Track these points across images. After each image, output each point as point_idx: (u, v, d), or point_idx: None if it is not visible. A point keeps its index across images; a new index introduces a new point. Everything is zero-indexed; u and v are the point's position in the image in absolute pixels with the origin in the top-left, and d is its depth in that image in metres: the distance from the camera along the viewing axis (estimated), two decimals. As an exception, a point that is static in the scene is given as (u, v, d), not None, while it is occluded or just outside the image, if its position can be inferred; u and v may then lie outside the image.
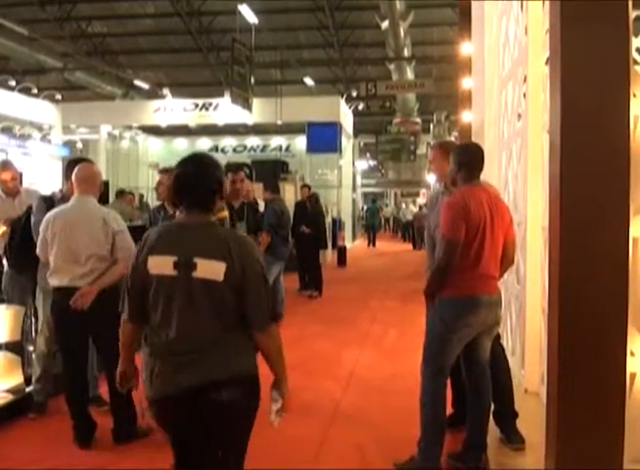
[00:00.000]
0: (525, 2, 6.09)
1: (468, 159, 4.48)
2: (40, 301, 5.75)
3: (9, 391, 5.85)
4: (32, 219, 5.68)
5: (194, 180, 2.95)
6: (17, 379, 5.94)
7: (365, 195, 44.92)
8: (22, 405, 5.71)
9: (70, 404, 5.07)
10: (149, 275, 2.92)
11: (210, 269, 2.84)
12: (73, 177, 5.12)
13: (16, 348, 6.08)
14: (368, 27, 26.96)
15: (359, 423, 5.63)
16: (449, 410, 4.69)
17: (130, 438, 5.04)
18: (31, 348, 6.26)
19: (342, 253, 19.69)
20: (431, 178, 39.16)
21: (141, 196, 19.10)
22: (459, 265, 4.27)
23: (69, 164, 5.73)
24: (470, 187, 4.41)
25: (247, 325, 2.91)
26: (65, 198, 5.62)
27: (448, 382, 4.52)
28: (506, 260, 4.55)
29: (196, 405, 2.86)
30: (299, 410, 5.87)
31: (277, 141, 28.23)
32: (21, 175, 6.94)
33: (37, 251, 5.16)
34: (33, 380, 5.82)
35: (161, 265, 2.89)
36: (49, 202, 5.66)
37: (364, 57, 30.35)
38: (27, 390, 5.85)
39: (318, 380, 6.99)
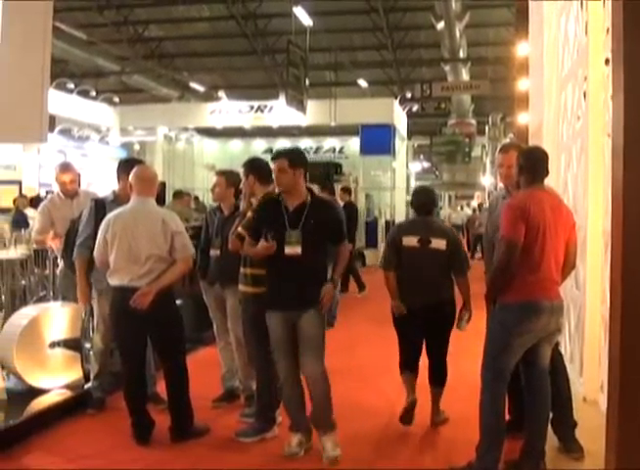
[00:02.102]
0: (584, 0, 5.99)
1: (532, 163, 4.41)
2: (95, 299, 5.85)
3: (68, 387, 5.98)
4: (81, 222, 5.79)
5: (427, 201, 5.64)
6: (75, 375, 6.08)
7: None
8: (81, 401, 5.84)
9: (129, 402, 5.14)
10: (402, 246, 5.44)
11: (439, 243, 5.41)
12: (132, 179, 5.20)
13: (74, 344, 6.22)
14: (423, 28, 26.80)
15: (416, 426, 5.60)
16: (507, 417, 4.64)
17: (187, 436, 5.09)
18: (88, 345, 6.39)
19: (395, 254, 19.60)
20: (486, 181, 38.76)
21: (196, 197, 19.28)
22: (520, 269, 4.22)
23: (121, 166, 5.84)
24: (531, 190, 4.36)
25: (453, 273, 5.49)
26: (117, 199, 5.71)
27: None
28: (567, 265, 4.47)
29: (429, 314, 5.39)
30: (356, 412, 5.89)
31: (330, 143, 28.25)
32: (79, 177, 7.06)
33: (94, 253, 5.24)
34: (91, 377, 5.93)
35: (410, 241, 5.42)
36: (100, 204, 5.76)
37: (419, 58, 30.15)
38: (86, 386, 5.97)
39: (374, 382, 6.98)
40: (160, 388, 5.61)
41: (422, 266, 5.39)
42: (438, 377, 5.58)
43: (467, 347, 8.17)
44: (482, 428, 4.40)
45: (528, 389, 4.48)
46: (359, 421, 5.72)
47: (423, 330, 5.50)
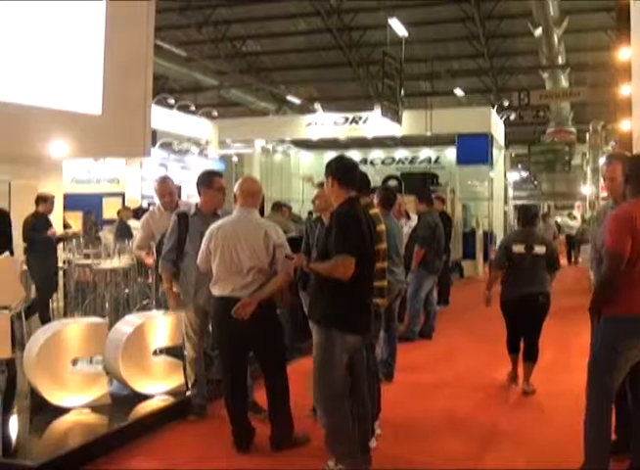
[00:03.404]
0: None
1: (638, 172, 4.25)
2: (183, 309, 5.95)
3: (170, 393, 6.12)
4: (166, 235, 5.92)
5: (530, 216, 7.18)
6: (177, 382, 6.21)
7: (516, 207, 43.69)
8: (182, 408, 5.95)
9: (230, 410, 5.21)
10: (512, 252, 6.92)
11: (540, 249, 6.93)
12: (236, 191, 5.27)
13: (177, 352, 6.37)
14: (520, 36, 26.36)
15: (517, 442, 5.48)
16: (613, 436, 4.47)
17: (288, 445, 5.11)
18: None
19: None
20: (587, 190, 37.68)
21: (289, 208, 19.44)
22: (625, 282, 4.06)
23: (201, 179, 5.91)
24: (638, 200, 4.19)
25: (549, 270, 7.00)
26: (198, 212, 5.81)
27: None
28: None
29: (529, 302, 6.86)
30: (455, 427, 5.82)
31: (426, 153, 28.08)
32: (179, 189, 7.19)
33: (197, 261, 5.35)
34: (189, 384, 6.05)
35: (518, 248, 6.91)
36: (183, 217, 5.86)
37: (516, 66, 29.66)
38: (188, 393, 6.09)
39: (472, 396, 6.87)
40: (258, 397, 5.67)
41: (526, 267, 6.88)
42: (531, 354, 6.99)
43: (564, 360, 8.01)
44: (587, 447, 4.25)
45: (635, 407, 4.30)
46: (458, 435, 5.64)
47: (524, 316, 6.97)
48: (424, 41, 26.22)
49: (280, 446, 5.12)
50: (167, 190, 6.90)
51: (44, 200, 9.61)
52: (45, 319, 8.73)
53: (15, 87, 8.14)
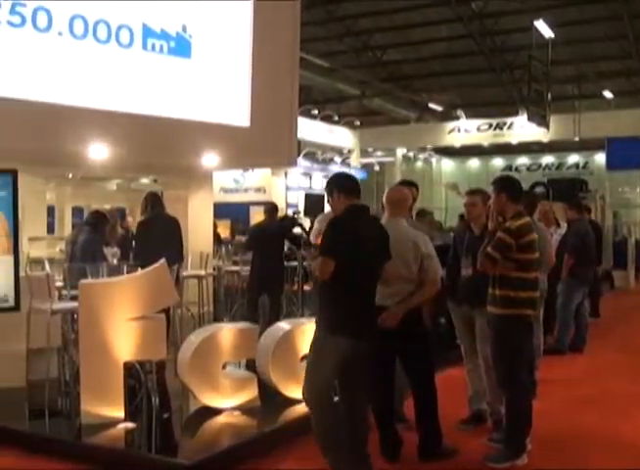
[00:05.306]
0: None
1: None
2: None
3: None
4: None
5: None
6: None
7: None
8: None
9: (377, 419, 5.21)
10: None
11: None
12: (384, 200, 5.30)
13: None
14: (673, 33, 25.02)
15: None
16: None
17: (436, 456, 5.07)
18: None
19: (647, 277, 18.33)
20: None
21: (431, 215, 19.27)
22: None
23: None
24: None
25: None
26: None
27: None
28: None
29: None
30: (606, 444, 5.58)
31: (573, 158, 27.16)
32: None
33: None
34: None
35: None
36: None
37: (669, 65, 28.16)
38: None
39: (625, 412, 6.56)
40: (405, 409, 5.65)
41: None
42: None
43: None
44: None
45: None
46: (610, 452, 5.43)
47: None
48: (569, 43, 25.31)
49: (427, 456, 5.08)
50: None
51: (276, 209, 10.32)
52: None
53: (169, 103, 8.51)
